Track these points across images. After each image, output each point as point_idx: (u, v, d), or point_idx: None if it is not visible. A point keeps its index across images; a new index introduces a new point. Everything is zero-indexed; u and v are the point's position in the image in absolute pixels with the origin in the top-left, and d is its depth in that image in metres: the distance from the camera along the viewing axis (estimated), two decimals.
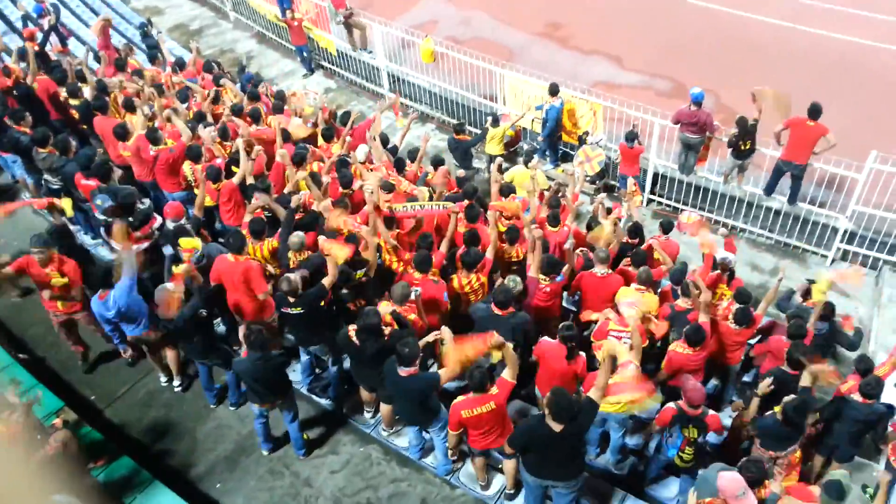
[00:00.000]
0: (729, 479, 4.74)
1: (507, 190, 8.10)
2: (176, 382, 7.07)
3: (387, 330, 5.87)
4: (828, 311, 6.91)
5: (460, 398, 5.38)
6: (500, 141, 10.70)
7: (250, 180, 7.76)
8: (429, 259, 6.56)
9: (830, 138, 8.88)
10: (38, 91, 9.32)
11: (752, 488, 4.85)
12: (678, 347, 6.36)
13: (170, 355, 6.91)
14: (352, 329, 5.88)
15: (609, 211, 8.32)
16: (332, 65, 14.09)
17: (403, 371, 5.41)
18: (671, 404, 5.83)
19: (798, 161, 9.26)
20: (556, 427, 4.91)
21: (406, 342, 5.38)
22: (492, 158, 10.61)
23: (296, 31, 13.37)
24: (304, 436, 6.59)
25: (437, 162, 8.87)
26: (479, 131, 11.76)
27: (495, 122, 10.81)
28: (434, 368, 6.36)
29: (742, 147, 9.54)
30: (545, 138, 10.88)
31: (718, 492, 4.72)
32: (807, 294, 7.20)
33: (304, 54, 13.97)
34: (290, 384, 6.34)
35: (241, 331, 6.41)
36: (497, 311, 6.20)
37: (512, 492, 6.11)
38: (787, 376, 6.13)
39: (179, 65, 10.68)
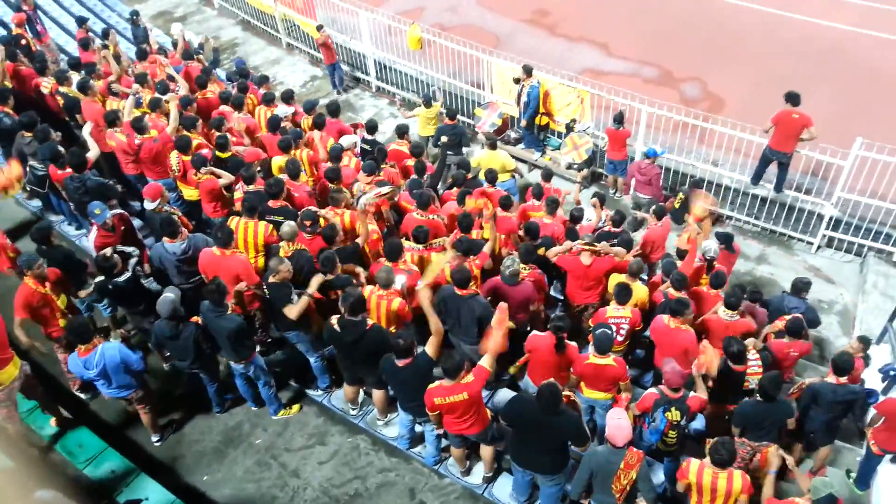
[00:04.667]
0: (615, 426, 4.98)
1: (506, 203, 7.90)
2: (154, 438, 6.64)
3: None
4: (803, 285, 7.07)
5: (434, 384, 5.39)
6: (433, 123, 10.70)
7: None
8: (399, 247, 6.52)
9: (812, 131, 8.96)
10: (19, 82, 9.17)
11: (721, 468, 4.98)
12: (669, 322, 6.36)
13: (144, 419, 6.50)
14: (333, 320, 5.85)
15: (602, 200, 8.42)
16: (318, 51, 13.96)
17: (401, 362, 5.44)
18: (653, 389, 5.89)
19: (786, 150, 9.31)
20: (547, 416, 5.00)
21: (400, 335, 5.42)
22: (426, 141, 10.68)
23: (327, 49, 12.68)
24: (297, 407, 6.84)
25: (402, 132, 9.09)
26: (469, 120, 11.78)
27: (428, 104, 10.66)
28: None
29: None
30: (527, 122, 10.80)
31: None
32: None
33: (336, 73, 13.13)
34: (249, 348, 6.27)
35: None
36: (457, 290, 6.22)
37: (490, 475, 6.20)
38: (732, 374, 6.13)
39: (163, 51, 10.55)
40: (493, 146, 9.50)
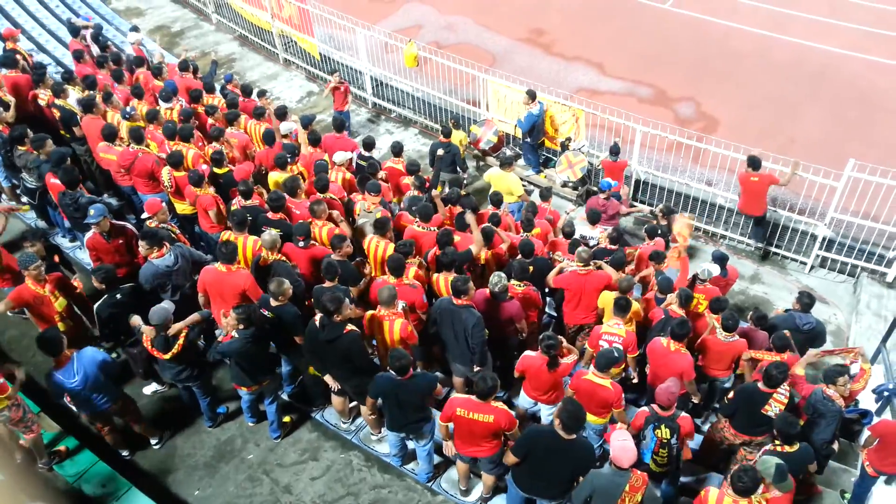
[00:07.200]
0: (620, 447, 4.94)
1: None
2: (154, 441, 6.66)
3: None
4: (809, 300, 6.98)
5: (462, 396, 5.42)
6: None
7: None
8: (402, 264, 6.48)
9: (786, 177, 9.01)
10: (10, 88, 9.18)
11: (743, 497, 4.79)
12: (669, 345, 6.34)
13: (136, 428, 6.51)
14: (317, 317, 5.84)
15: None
16: (315, 68, 14.04)
17: (402, 377, 5.45)
18: (644, 407, 5.89)
19: (753, 213, 9.52)
20: (567, 436, 4.98)
21: (398, 355, 5.42)
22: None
23: (338, 96, 11.76)
24: (287, 418, 6.78)
25: (413, 168, 8.79)
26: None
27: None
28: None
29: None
30: (529, 144, 10.85)
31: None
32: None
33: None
34: (276, 363, 6.36)
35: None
36: (454, 300, 6.23)
37: (488, 496, 6.18)
38: (757, 392, 6.00)
39: (157, 70, 10.36)
40: (504, 166, 9.41)
